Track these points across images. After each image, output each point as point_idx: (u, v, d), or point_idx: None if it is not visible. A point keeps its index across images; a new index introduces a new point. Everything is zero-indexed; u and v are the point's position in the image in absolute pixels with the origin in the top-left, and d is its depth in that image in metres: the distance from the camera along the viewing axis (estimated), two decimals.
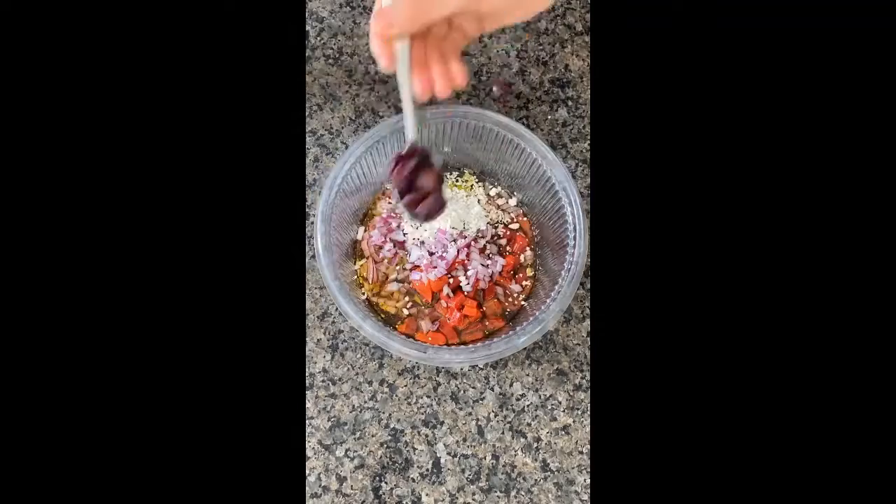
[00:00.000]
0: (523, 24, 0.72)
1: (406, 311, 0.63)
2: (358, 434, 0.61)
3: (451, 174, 0.67)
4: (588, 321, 0.64)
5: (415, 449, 0.61)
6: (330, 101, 0.69)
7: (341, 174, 0.59)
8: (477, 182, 0.67)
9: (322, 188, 0.58)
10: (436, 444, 0.61)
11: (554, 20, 0.73)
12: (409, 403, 0.62)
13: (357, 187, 0.62)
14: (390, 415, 0.62)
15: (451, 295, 0.62)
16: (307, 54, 0.70)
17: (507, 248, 0.65)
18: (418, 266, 0.63)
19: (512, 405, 0.62)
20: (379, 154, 0.60)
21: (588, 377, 0.63)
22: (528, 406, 0.62)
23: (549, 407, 0.62)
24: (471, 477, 0.61)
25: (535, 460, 0.61)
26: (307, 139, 0.68)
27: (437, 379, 0.63)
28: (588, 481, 0.61)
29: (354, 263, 0.65)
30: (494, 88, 0.70)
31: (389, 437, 0.61)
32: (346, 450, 0.61)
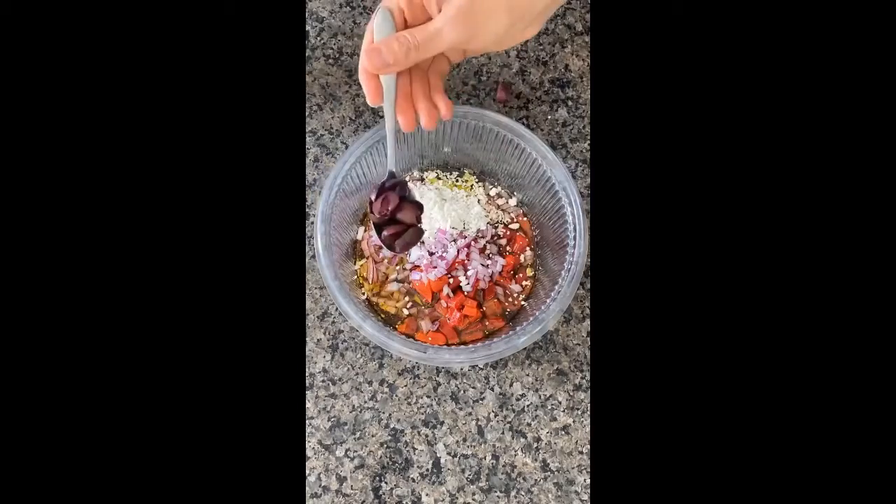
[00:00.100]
0: None
1: (406, 311, 0.63)
2: (358, 434, 0.61)
3: (451, 174, 0.67)
4: (588, 321, 0.64)
5: (415, 449, 0.61)
6: (330, 101, 0.69)
7: (341, 174, 0.59)
8: (477, 182, 0.67)
9: (322, 188, 0.58)
10: (436, 444, 0.61)
11: (554, 20, 0.73)
12: (409, 403, 0.62)
13: (357, 187, 0.62)
14: (390, 415, 0.62)
15: (451, 295, 0.62)
16: (307, 54, 0.70)
17: (507, 248, 0.65)
18: (418, 266, 0.63)
19: (512, 405, 0.62)
20: (379, 154, 0.60)
21: (588, 377, 0.63)
22: (528, 406, 0.62)
23: (549, 407, 0.62)
24: (471, 477, 0.61)
25: (535, 460, 0.61)
26: (307, 139, 0.68)
27: (437, 379, 0.63)
28: (588, 481, 0.61)
29: (354, 263, 0.65)
30: (499, 94, 0.70)
31: (389, 437, 0.61)
32: (346, 450, 0.61)
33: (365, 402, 0.62)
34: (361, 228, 0.66)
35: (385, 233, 0.56)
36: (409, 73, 0.52)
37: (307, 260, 0.65)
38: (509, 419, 0.62)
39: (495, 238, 0.65)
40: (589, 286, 0.65)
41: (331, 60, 0.70)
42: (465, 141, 0.63)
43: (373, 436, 0.61)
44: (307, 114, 0.69)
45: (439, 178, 0.67)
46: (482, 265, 0.63)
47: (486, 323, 0.63)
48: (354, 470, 0.60)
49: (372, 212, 0.56)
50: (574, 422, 0.62)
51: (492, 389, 0.63)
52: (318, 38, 0.71)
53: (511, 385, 0.63)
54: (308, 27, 0.71)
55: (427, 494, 0.60)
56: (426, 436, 0.61)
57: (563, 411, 0.62)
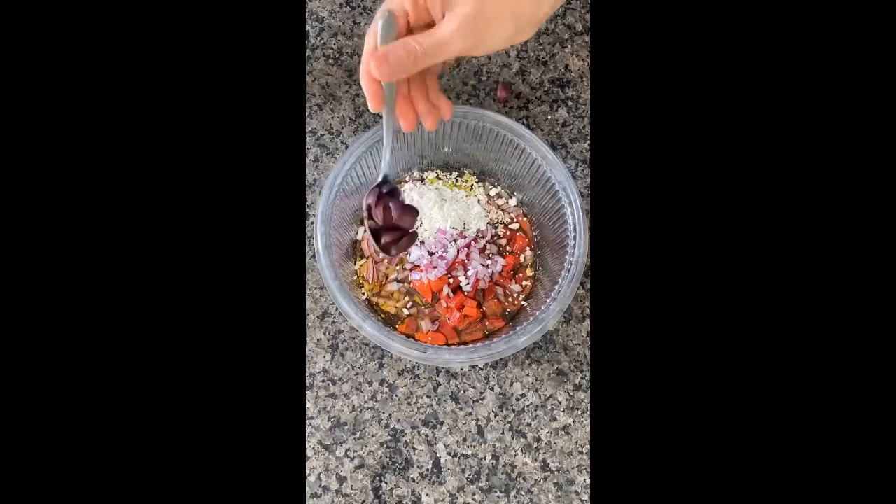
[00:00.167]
0: None
1: (406, 311, 0.63)
2: (358, 434, 0.61)
3: (451, 174, 0.67)
4: (588, 321, 0.64)
5: (415, 449, 0.61)
6: (330, 101, 0.69)
7: (341, 174, 0.59)
8: (477, 182, 0.67)
9: (322, 188, 0.58)
10: (436, 444, 0.61)
11: (554, 20, 0.73)
12: (409, 403, 0.62)
13: (357, 187, 0.62)
14: (390, 415, 0.62)
15: (451, 295, 0.62)
16: (307, 54, 0.70)
17: (507, 248, 0.65)
18: (418, 266, 0.63)
19: (512, 405, 0.62)
20: (379, 154, 0.60)
21: (588, 377, 0.63)
22: (528, 406, 0.62)
23: (549, 407, 0.62)
24: (471, 477, 0.61)
25: (535, 460, 0.61)
26: (307, 139, 0.68)
27: (437, 379, 0.63)
28: (588, 481, 0.61)
29: (354, 263, 0.65)
30: (499, 94, 0.70)
31: (389, 437, 0.61)
32: (346, 450, 0.61)
33: (365, 402, 0.62)
34: (361, 228, 0.66)
35: (385, 239, 0.56)
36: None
37: (307, 260, 0.65)
38: (509, 419, 0.62)
39: (495, 238, 0.65)
40: (589, 286, 0.65)
41: (331, 60, 0.70)
42: (465, 141, 0.63)
43: (373, 436, 0.61)
44: (307, 114, 0.69)
45: (439, 178, 0.67)
46: (482, 265, 0.63)
47: (486, 323, 0.63)
48: (354, 470, 0.60)
49: (371, 218, 0.56)
50: (574, 422, 0.62)
51: (492, 389, 0.63)
52: (318, 38, 0.71)
53: (511, 385, 0.63)
54: (308, 27, 0.71)
55: (427, 494, 0.60)
56: (426, 436, 0.61)
57: (563, 411, 0.62)
